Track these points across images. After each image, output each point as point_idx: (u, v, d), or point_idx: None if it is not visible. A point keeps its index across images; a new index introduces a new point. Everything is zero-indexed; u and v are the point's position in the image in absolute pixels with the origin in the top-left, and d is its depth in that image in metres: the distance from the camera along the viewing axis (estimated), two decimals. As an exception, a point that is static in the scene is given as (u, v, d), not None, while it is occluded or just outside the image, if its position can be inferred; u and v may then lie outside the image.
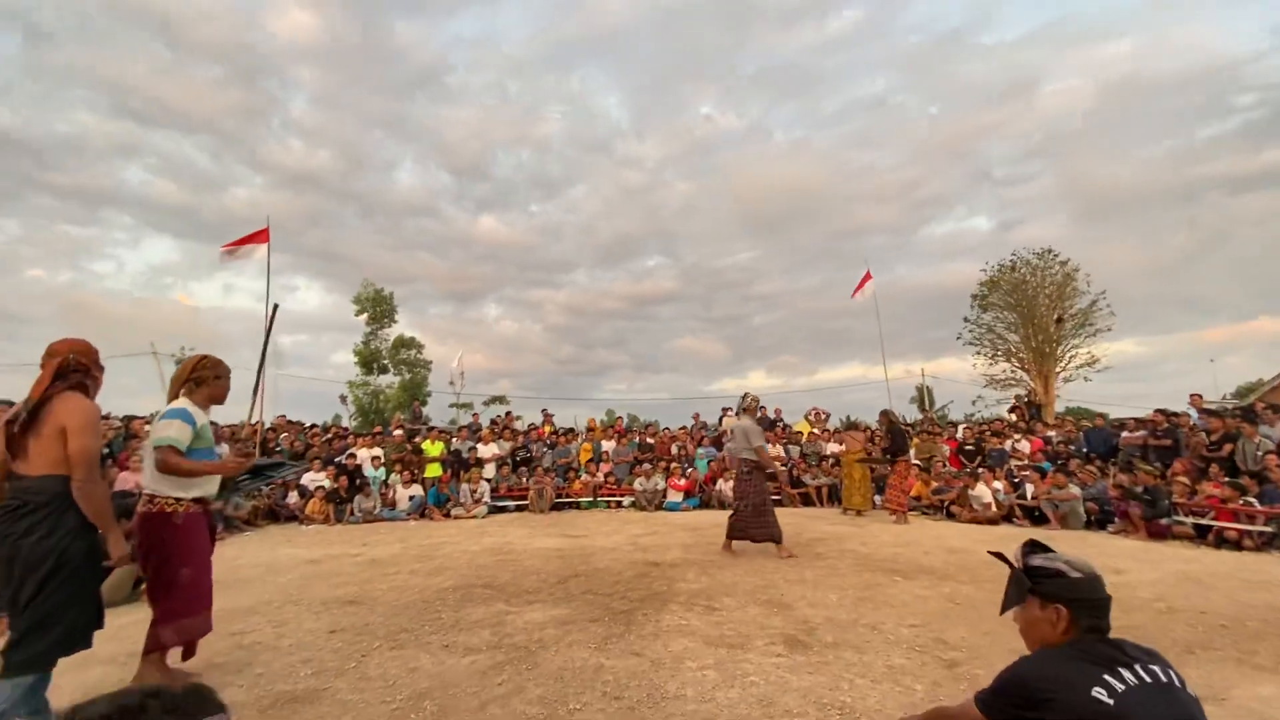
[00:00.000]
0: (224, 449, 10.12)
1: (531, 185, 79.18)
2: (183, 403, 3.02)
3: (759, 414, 6.67)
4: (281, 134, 68.30)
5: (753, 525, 6.27)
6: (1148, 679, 1.36)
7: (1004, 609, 1.60)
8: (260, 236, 11.25)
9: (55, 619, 2.33)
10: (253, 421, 3.50)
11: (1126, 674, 1.36)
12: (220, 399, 3.24)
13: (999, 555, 1.72)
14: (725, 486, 11.61)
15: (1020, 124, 59.29)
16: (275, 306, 3.58)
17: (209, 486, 3.10)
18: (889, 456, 9.67)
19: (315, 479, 10.52)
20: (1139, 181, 45.03)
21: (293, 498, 10.24)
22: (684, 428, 14.61)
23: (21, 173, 51.19)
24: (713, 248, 74.43)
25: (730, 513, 6.61)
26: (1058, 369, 23.37)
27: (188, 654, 3.10)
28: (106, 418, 9.63)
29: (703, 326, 65.89)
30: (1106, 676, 1.36)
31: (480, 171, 76.68)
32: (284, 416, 13.26)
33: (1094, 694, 1.33)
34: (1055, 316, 23.09)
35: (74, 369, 2.58)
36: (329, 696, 2.81)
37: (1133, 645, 1.47)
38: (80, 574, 2.52)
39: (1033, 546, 1.64)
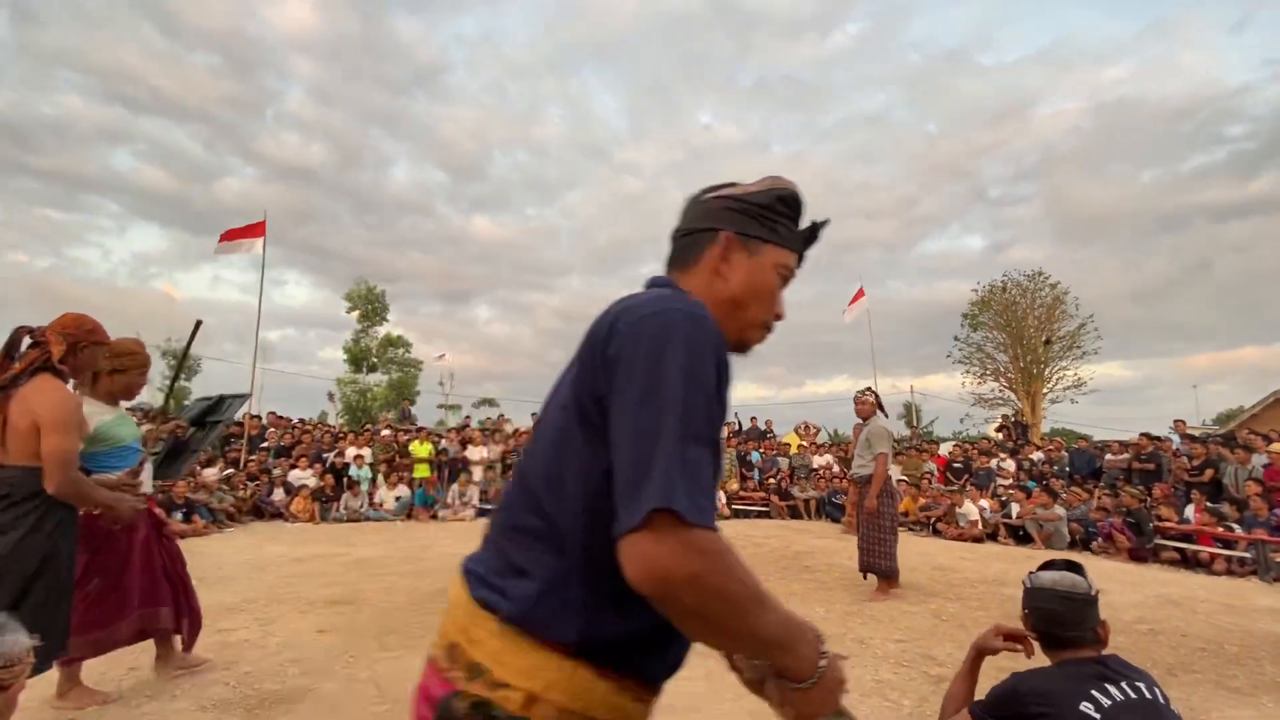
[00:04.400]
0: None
1: (528, 187, 79.10)
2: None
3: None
4: (276, 127, 67.85)
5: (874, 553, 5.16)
6: (1134, 695, 1.41)
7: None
8: (257, 230, 11.22)
9: (50, 623, 2.09)
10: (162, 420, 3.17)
11: (1113, 689, 1.41)
12: (121, 393, 2.87)
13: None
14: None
15: (1016, 145, 60.13)
16: (199, 322, 3.39)
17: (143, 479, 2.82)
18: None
19: (301, 477, 10.45)
20: (1124, 206, 45.78)
21: (278, 495, 10.16)
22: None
23: (2, 155, 50.35)
24: (708, 257, 74.71)
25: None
26: (1045, 390, 23.68)
27: (186, 648, 2.98)
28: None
29: (695, 336, 65.94)
30: (1094, 692, 1.41)
31: (476, 171, 76.52)
32: (274, 413, 13.18)
33: (1082, 708, 1.38)
34: (1044, 338, 23.43)
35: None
36: (317, 697, 2.80)
37: (1121, 662, 1.51)
38: (63, 577, 2.32)
39: (1063, 566, 1.68)
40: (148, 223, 65.61)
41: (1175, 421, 11.65)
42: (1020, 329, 24.02)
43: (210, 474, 9.43)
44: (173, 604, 2.90)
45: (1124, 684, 1.43)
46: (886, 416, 5.52)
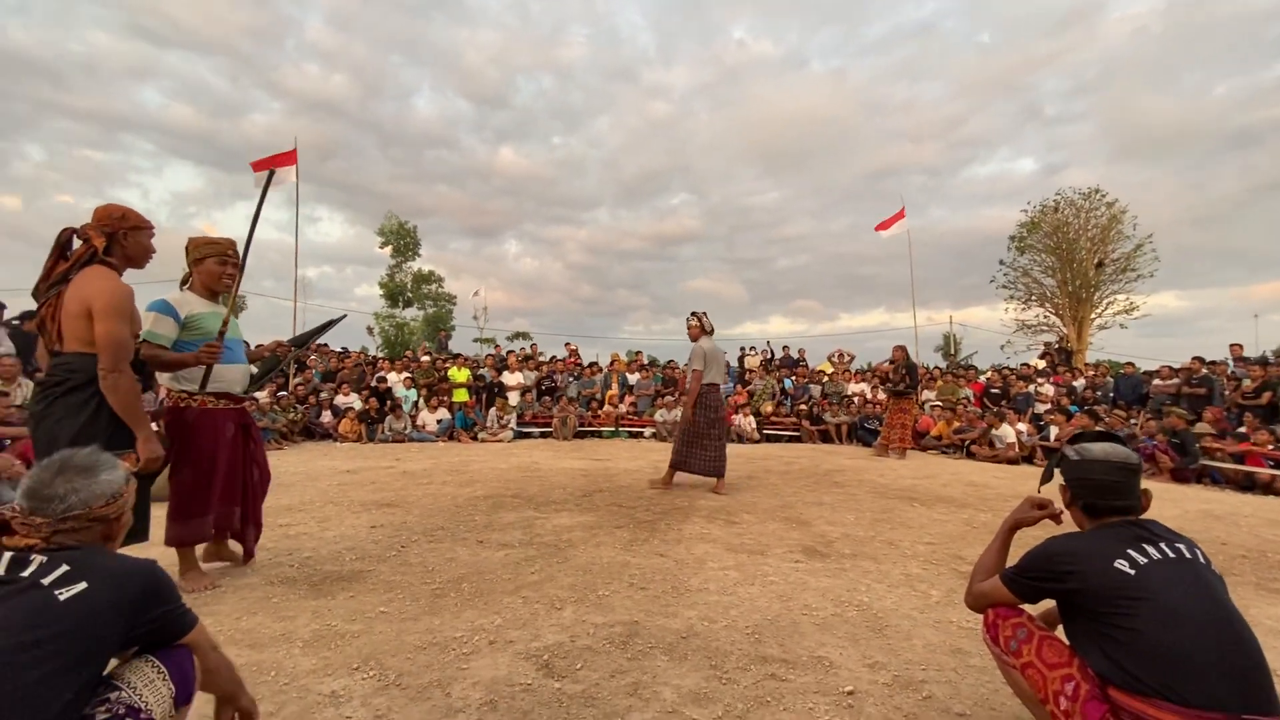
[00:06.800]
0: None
1: (553, 115, 77.00)
2: (166, 294, 2.85)
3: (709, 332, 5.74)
4: (296, 57, 66.85)
5: (689, 456, 5.66)
6: (1171, 554, 1.40)
7: (1040, 484, 1.82)
8: (289, 158, 11.21)
9: None
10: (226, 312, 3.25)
11: (1150, 549, 1.41)
12: (211, 283, 2.96)
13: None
14: (742, 420, 11.74)
15: (1078, 56, 55.31)
16: (271, 172, 3.41)
17: (226, 381, 2.94)
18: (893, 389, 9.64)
19: (347, 401, 10.88)
20: (1192, 121, 42.00)
21: (326, 417, 10.63)
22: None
23: (40, 96, 50.89)
24: (740, 186, 72.42)
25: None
26: (1093, 315, 22.71)
27: (247, 556, 3.15)
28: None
29: (723, 269, 64.87)
30: (1130, 551, 1.40)
31: (500, 99, 74.64)
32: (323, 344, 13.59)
33: (1116, 565, 1.38)
34: (1096, 260, 22.26)
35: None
36: (374, 577, 3.00)
37: (1161, 526, 1.50)
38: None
39: (1098, 437, 1.64)
40: (182, 161, 66.41)
41: (1231, 345, 11.11)
42: (1071, 251, 22.78)
43: (262, 396, 9.88)
44: (242, 506, 3.05)
45: (1163, 544, 1.43)
46: (713, 333, 5.80)
